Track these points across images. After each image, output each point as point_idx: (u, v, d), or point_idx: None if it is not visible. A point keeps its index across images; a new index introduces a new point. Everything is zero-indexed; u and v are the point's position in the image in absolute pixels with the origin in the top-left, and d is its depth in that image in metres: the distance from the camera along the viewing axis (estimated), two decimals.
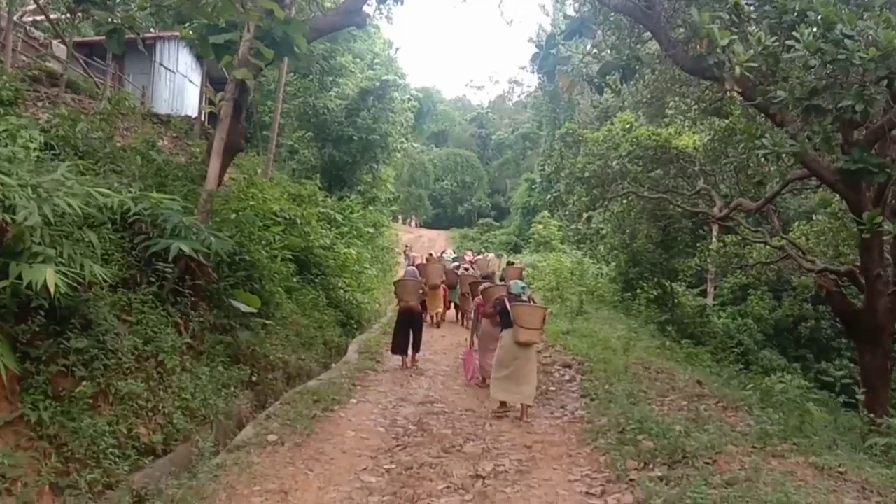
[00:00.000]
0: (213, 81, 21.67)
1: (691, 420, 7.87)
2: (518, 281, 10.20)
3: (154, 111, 18.95)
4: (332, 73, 28.36)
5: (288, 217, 14.40)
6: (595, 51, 11.20)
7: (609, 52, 10.77)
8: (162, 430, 6.36)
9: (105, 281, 6.23)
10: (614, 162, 19.59)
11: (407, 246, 33.94)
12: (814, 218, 19.60)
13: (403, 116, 33.58)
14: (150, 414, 6.38)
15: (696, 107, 15.92)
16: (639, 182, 19.71)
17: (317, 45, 24.72)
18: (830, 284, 11.41)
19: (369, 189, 30.54)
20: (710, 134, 17.35)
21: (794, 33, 7.21)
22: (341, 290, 15.50)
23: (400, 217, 55.19)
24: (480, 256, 25.77)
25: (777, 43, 7.53)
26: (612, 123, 23.82)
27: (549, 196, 26.70)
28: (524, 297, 9.54)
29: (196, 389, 7.18)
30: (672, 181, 20.11)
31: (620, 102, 31.40)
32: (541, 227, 37.54)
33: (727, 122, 15.80)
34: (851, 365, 21.77)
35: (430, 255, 21.27)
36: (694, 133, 19.44)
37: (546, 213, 37.60)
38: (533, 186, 50.15)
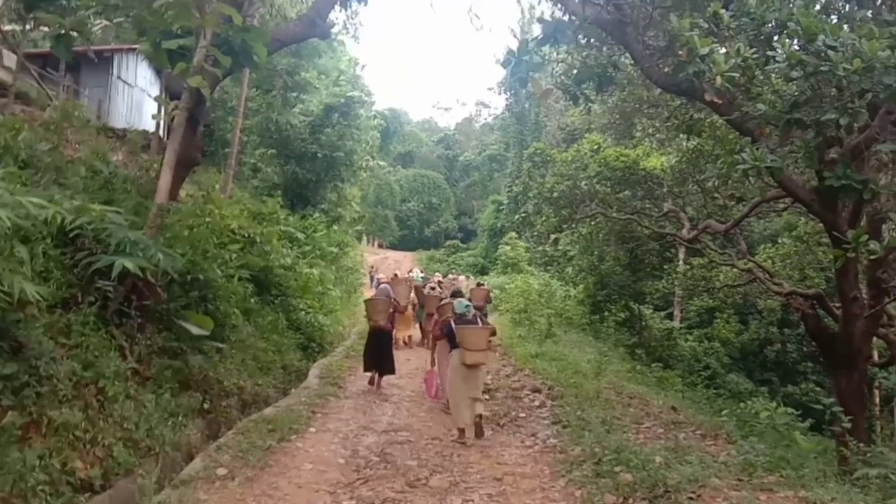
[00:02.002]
0: (172, 97, 21.16)
1: (671, 450, 7.52)
2: (462, 299, 10.01)
3: (110, 125, 18.36)
4: (297, 88, 27.75)
5: (247, 235, 13.91)
6: (569, 58, 11.00)
7: (580, 66, 10.58)
8: (101, 464, 5.86)
9: (42, 300, 5.73)
10: (583, 183, 19.64)
11: (372, 267, 33.53)
12: (779, 241, 19.71)
13: (369, 135, 33.36)
14: (88, 446, 5.88)
15: (668, 124, 15.84)
16: (607, 203, 19.71)
17: (280, 60, 24.44)
18: (806, 307, 11.25)
19: (334, 208, 30.08)
20: (677, 156, 17.31)
21: (774, 44, 7.01)
22: (302, 312, 14.99)
23: (365, 237, 54.79)
24: (449, 278, 25.46)
25: (756, 55, 7.33)
26: (580, 144, 23.89)
27: (516, 217, 26.74)
28: (469, 316, 9.41)
29: (140, 419, 6.67)
30: (640, 203, 20.17)
31: (587, 124, 31.79)
32: (508, 248, 37.39)
33: (695, 143, 15.77)
34: (818, 388, 21.94)
35: (395, 274, 20.87)
36: (661, 154, 19.46)
37: (514, 234, 37.70)
38: (500, 208, 50.37)
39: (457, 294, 11.68)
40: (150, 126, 20.47)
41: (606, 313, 23.60)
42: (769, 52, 7.60)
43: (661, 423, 9.85)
